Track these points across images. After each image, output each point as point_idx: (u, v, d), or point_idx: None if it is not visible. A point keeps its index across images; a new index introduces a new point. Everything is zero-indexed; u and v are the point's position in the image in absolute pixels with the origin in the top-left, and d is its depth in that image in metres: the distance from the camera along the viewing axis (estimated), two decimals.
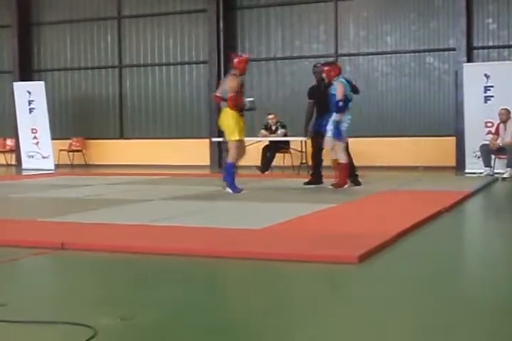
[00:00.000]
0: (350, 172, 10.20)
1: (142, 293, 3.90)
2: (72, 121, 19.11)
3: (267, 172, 13.91)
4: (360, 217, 6.97)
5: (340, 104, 9.70)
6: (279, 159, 14.78)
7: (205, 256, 4.81)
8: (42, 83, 17.48)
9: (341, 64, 16.48)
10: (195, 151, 17.23)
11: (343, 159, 9.95)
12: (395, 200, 8.58)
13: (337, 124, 9.79)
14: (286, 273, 4.45)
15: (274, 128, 14.41)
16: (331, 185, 10.01)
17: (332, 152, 10.09)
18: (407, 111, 16.21)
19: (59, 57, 19.28)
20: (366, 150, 15.98)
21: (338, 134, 9.83)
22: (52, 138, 17.26)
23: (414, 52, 16.15)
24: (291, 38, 17.00)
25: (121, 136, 18.62)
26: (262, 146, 14.37)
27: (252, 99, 9.68)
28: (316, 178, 10.53)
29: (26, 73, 19.14)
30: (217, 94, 9.54)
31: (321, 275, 4.38)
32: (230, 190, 9.34)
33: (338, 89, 9.73)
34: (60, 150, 17.96)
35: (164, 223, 6.32)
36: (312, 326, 3.18)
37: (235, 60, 9.49)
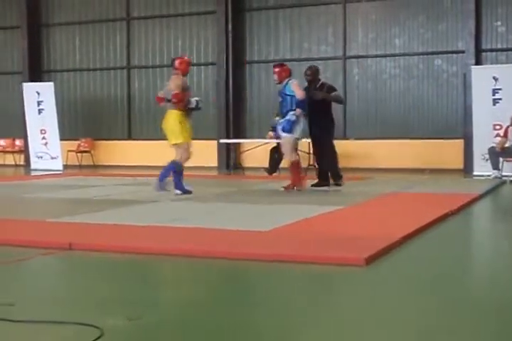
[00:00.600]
0: (334, 172, 10.47)
1: (149, 293, 3.92)
2: (80, 122, 19.16)
3: (274, 174, 13.91)
4: (367, 219, 6.97)
5: (303, 103, 9.73)
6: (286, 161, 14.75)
7: (211, 258, 4.82)
8: (51, 84, 17.55)
9: (349, 66, 16.57)
10: (203, 152, 17.22)
11: (292, 158, 9.92)
12: (402, 203, 8.57)
13: (292, 123, 9.71)
14: (292, 274, 4.46)
15: None
16: (282, 187, 9.95)
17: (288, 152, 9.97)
18: (415, 114, 16.19)
19: (68, 58, 19.35)
20: (373, 152, 16.00)
21: (289, 130, 9.75)
22: (61, 139, 17.32)
23: (422, 54, 16.14)
24: (300, 40, 17.01)
25: (130, 137, 18.67)
26: (270, 148, 14.37)
27: (198, 98, 9.44)
28: (323, 180, 10.52)
29: (36, 74, 19.21)
30: (159, 95, 9.37)
31: (328, 277, 4.38)
32: (178, 191, 9.20)
33: (295, 89, 9.72)
34: (69, 150, 18.01)
35: (171, 224, 6.34)
36: (318, 328, 3.19)
37: (177, 61, 9.38)
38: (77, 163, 18.24)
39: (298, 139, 10.03)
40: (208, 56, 17.79)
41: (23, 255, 5.07)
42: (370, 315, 3.42)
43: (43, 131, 17.35)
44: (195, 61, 17.94)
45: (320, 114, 10.20)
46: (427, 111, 16.07)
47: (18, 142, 19.34)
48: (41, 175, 14.69)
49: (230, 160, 17.06)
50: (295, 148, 10.07)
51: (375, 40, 16.47)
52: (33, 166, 17.54)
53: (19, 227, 6.29)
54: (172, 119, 9.13)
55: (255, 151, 14.72)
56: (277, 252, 4.89)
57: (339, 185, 10.44)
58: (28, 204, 8.70)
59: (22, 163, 19.05)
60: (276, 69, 10.15)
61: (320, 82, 10.56)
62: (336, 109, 16.43)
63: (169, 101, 9.10)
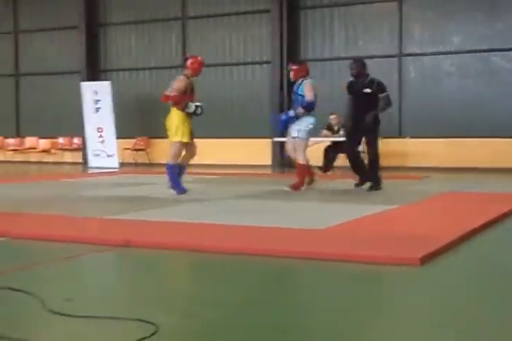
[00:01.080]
0: (373, 173, 10.10)
1: (205, 291, 3.94)
2: (136, 121, 19.38)
3: (328, 173, 13.85)
4: (422, 218, 6.89)
5: (312, 105, 9.75)
6: (341, 159, 14.69)
7: (268, 256, 4.83)
8: (108, 83, 17.81)
9: (405, 64, 16.39)
10: (258, 151, 17.28)
11: (302, 160, 9.84)
12: (459, 202, 8.44)
13: (307, 125, 9.75)
14: (347, 273, 4.44)
15: (336, 128, 14.33)
16: (288, 186, 9.84)
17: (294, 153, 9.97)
18: (472, 112, 15.93)
19: (124, 58, 19.61)
20: (430, 150, 15.80)
21: (305, 134, 9.81)
22: (117, 137, 17.57)
23: (479, 51, 15.87)
24: (355, 38, 16.90)
25: None
26: (324, 147, 14.32)
27: (199, 103, 9.30)
28: (374, 180, 10.12)
29: (93, 73, 19.52)
30: (165, 94, 9.26)
31: (382, 277, 4.35)
32: (174, 191, 9.13)
33: (306, 89, 9.72)
34: (125, 148, 18.26)
35: (226, 222, 6.37)
36: (372, 328, 3.17)
37: (189, 61, 9.32)
38: (133, 161, 18.47)
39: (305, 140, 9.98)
40: (263, 55, 17.81)
41: (80, 251, 5.16)
42: (427, 316, 3.38)
43: (100, 130, 17.62)
44: (249, 60, 18.01)
45: (363, 112, 9.78)
46: (484, 110, 15.79)
47: (76, 140, 19.68)
48: (98, 173, 14.92)
49: (284, 159, 17.05)
50: (305, 151, 9.99)
51: (431, 37, 16.26)
52: (90, 164, 17.83)
53: (76, 224, 6.40)
54: (174, 118, 9.13)
55: (309, 150, 14.64)
56: (331, 251, 4.87)
57: (378, 189, 9.89)
58: (85, 202, 8.85)
59: (80, 160, 19.38)
60: (294, 67, 10.09)
61: (369, 78, 10.00)
62: (393, 106, 16.33)
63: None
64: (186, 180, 11.97)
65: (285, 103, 17.18)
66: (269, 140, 16.87)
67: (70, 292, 3.86)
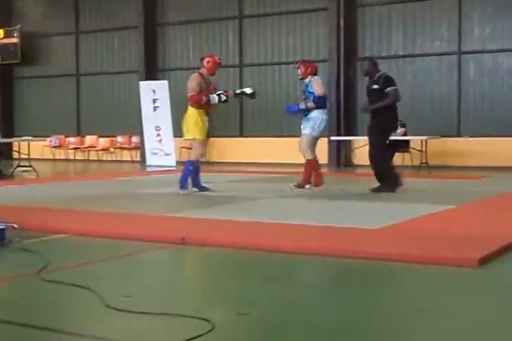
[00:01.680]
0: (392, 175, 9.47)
1: (260, 289, 3.96)
2: None
3: None
4: (480, 218, 6.78)
5: (322, 100, 9.67)
6: (398, 158, 14.55)
7: (320, 255, 4.82)
8: (166, 82, 17.99)
9: (465, 61, 16.12)
10: None
11: (310, 155, 9.74)
12: None
13: (316, 122, 9.65)
14: (401, 274, 4.40)
15: None
16: (294, 185, 9.71)
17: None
18: None
19: (182, 57, 19.77)
20: (490, 149, 15.51)
21: (311, 131, 9.70)
22: (175, 136, 17.71)
23: None
24: (413, 36, 16.69)
25: (242, 134, 18.89)
26: None
27: (220, 92, 9.60)
28: (391, 182, 9.38)
29: (151, 72, 19.74)
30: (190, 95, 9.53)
31: (439, 278, 4.30)
32: (179, 190, 9.23)
33: (315, 85, 9.68)
34: (182, 147, 18.40)
35: (280, 221, 6.38)
36: (426, 330, 3.14)
37: (205, 60, 9.56)
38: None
39: (316, 138, 9.88)
40: (320, 53, 17.74)
41: (138, 248, 5.24)
42: (480, 319, 3.33)
43: (158, 128, 17.81)
44: (306, 58, 17.94)
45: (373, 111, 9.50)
46: None
47: (134, 139, 19.94)
48: (155, 171, 15.10)
49: (341, 158, 16.97)
50: (313, 147, 9.86)
51: (491, 34, 15.95)
52: (148, 162, 18.04)
53: (134, 222, 6.50)
54: (190, 116, 9.43)
55: (366, 148, 14.54)
56: (385, 251, 4.84)
57: (392, 191, 9.21)
58: (143, 200, 8.96)
59: (138, 159, 19.63)
60: (301, 65, 10.09)
61: (378, 75, 9.53)
62: (451, 105, 16.10)
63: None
64: (242, 178, 12.03)
65: (341, 101, 17.09)
66: (326, 139, 16.79)
67: (128, 288, 3.93)
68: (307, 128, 9.72)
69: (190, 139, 9.45)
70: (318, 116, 9.67)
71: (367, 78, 9.85)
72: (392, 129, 9.84)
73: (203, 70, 9.56)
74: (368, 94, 9.69)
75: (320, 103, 9.66)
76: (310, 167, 9.78)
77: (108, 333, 3.10)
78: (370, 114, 9.56)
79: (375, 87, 9.47)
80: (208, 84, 9.54)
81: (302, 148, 9.83)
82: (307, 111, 9.70)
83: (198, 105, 9.34)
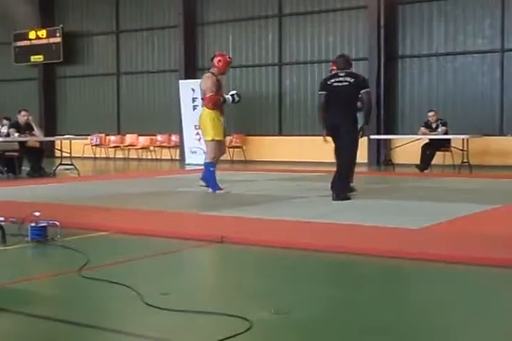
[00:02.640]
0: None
1: (299, 288, 3.94)
2: (232, 118, 19.53)
3: (426, 171, 13.60)
4: None
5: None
6: (439, 158, 14.40)
7: (362, 254, 4.78)
8: None
9: (507, 59, 15.87)
10: None
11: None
12: None
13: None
14: (444, 274, 4.34)
15: (434, 125, 14.04)
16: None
17: None
18: None
19: None
20: None
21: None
22: None
23: None
24: (455, 33, 16.47)
25: (280, 133, 18.86)
26: (422, 144, 14.06)
27: (233, 92, 9.67)
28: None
29: (191, 71, 19.82)
30: (208, 96, 9.37)
31: (482, 279, 4.23)
32: (210, 190, 9.22)
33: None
34: None
35: (319, 220, 6.35)
36: (468, 331, 3.09)
37: (216, 59, 9.42)
38: (229, 158, 18.66)
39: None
40: (360, 51, 17.62)
41: (177, 246, 5.27)
42: None
43: (197, 127, 17.83)
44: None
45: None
46: None
47: (173, 137, 20.04)
48: (195, 170, 15.15)
49: (381, 157, 16.84)
50: None
51: None
52: (187, 161, 18.13)
53: (173, 220, 6.53)
54: (204, 117, 9.31)
55: (406, 147, 14.43)
56: (430, 251, 4.78)
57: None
58: (182, 198, 9.01)
59: (177, 157, 19.73)
60: (334, 68, 9.80)
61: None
62: (493, 104, 15.86)
63: (202, 99, 9.35)
64: (281, 177, 12.03)
65: (381, 100, 16.96)
66: (365, 137, 16.67)
67: (166, 286, 3.94)
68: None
69: (209, 140, 9.30)
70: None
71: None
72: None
73: (214, 70, 9.44)
74: (337, 92, 8.51)
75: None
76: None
77: (146, 331, 3.11)
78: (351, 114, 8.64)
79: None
80: (220, 83, 9.51)
81: None
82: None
83: (214, 106, 9.26)
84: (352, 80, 8.37)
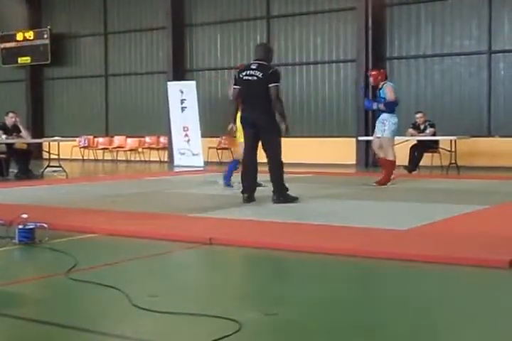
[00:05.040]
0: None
1: (287, 289, 3.95)
2: (221, 120, 19.53)
3: (414, 172, 13.64)
4: (510, 220, 6.69)
5: (392, 105, 10.46)
6: (427, 159, 14.45)
7: (349, 255, 4.79)
8: (193, 82, 18.03)
9: (495, 61, 15.95)
10: (341, 150, 17.16)
11: (391, 156, 10.45)
12: None
13: (391, 125, 10.42)
14: (432, 275, 4.36)
15: (422, 127, 14.09)
16: (375, 182, 10.36)
17: (379, 151, 10.67)
18: None
19: (209, 57, 19.81)
20: None
21: (390, 133, 10.48)
22: (202, 136, 17.76)
23: None
24: (442, 35, 16.54)
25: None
26: (410, 145, 14.11)
27: None
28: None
29: (179, 73, 19.80)
30: None
31: (469, 279, 4.25)
32: (221, 181, 10.09)
33: (388, 91, 10.43)
34: (209, 147, 18.45)
35: (308, 221, 6.35)
36: (454, 331, 3.10)
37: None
38: (218, 160, 18.65)
39: (391, 139, 10.66)
40: (348, 53, 17.66)
41: (165, 248, 5.26)
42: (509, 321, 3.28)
43: (186, 129, 17.86)
44: (334, 58, 17.89)
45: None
46: None
47: (162, 139, 20.01)
48: (183, 172, 15.14)
49: (369, 158, 16.88)
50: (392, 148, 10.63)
51: None
52: (175, 162, 18.10)
53: (162, 222, 6.51)
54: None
55: (395, 149, 14.48)
56: (416, 252, 4.80)
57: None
58: (171, 199, 8.99)
59: (166, 159, 19.71)
60: (373, 73, 10.87)
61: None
62: (480, 105, 15.93)
63: None
64: (267, 179, 12.02)
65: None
66: (354, 139, 16.73)
67: (155, 288, 3.94)
68: (385, 133, 10.43)
69: (241, 142, 9.35)
70: (391, 120, 10.45)
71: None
72: None
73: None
74: (247, 84, 8.12)
75: (391, 108, 10.48)
76: (391, 167, 10.53)
77: (134, 333, 3.10)
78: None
79: (383, 95, 10.42)
80: None
81: (384, 150, 10.55)
82: (379, 112, 10.66)
83: None
84: (260, 74, 7.95)
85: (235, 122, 8.53)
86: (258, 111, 8.07)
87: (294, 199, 8.02)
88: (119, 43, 21.31)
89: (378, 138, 10.59)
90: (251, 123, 8.13)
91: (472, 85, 16.13)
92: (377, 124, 10.67)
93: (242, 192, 8.18)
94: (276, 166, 8.21)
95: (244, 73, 8.13)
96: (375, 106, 10.65)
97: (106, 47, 21.55)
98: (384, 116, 10.50)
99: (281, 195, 8.01)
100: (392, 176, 10.63)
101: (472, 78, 16.19)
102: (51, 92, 22.75)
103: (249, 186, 8.21)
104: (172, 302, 3.60)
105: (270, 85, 7.93)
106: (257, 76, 8.00)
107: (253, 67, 8.11)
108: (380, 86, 10.63)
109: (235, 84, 8.31)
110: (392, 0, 17.09)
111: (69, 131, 20.89)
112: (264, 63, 8.13)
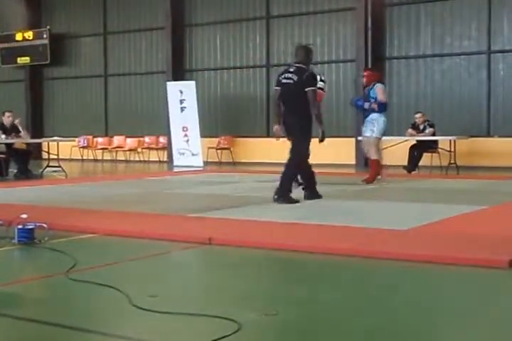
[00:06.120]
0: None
1: (287, 290, 3.94)
2: (220, 120, 19.56)
3: (413, 172, 13.64)
4: (509, 220, 6.69)
5: (383, 106, 10.67)
6: (426, 159, 14.45)
7: (349, 255, 4.79)
8: (193, 83, 18.03)
9: (494, 61, 15.94)
10: (341, 150, 17.15)
11: (374, 156, 10.69)
12: None
13: (380, 125, 10.64)
14: (431, 275, 4.36)
15: (421, 127, 14.09)
16: (362, 180, 10.63)
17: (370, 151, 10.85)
18: None
19: (209, 57, 19.80)
20: None
21: (378, 134, 10.73)
22: (202, 136, 17.76)
23: None
24: (442, 35, 16.53)
25: (268, 134, 18.85)
26: (409, 145, 14.11)
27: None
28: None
29: (179, 73, 19.80)
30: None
31: (468, 279, 4.25)
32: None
33: (379, 92, 10.63)
34: (209, 147, 18.44)
35: (309, 221, 6.35)
36: (454, 331, 3.10)
37: None
38: (217, 160, 18.65)
39: (380, 139, 10.94)
40: (347, 53, 17.66)
41: (164, 248, 5.25)
42: (509, 322, 3.28)
43: (185, 129, 17.86)
44: (334, 58, 17.90)
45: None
46: None
47: (161, 139, 20.01)
48: (183, 172, 15.14)
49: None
50: (377, 147, 10.84)
51: None
52: (175, 163, 18.10)
53: (161, 222, 6.51)
54: None
55: (394, 149, 14.47)
56: (415, 252, 4.80)
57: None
58: (170, 200, 8.99)
59: (165, 159, 19.70)
60: (367, 73, 11.09)
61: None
62: (480, 105, 15.93)
63: None
64: (269, 179, 12.05)
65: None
66: (353, 139, 16.72)
67: (154, 288, 3.93)
68: (375, 132, 10.69)
69: None
70: (379, 119, 10.66)
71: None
72: None
73: None
74: (285, 87, 8.19)
75: (381, 108, 10.68)
76: (375, 166, 10.72)
77: (134, 333, 3.10)
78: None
79: (374, 95, 10.63)
80: None
81: (369, 150, 10.83)
82: (367, 112, 10.81)
83: None
84: (296, 78, 8.00)
85: (278, 123, 8.49)
86: (293, 114, 8.19)
87: (294, 202, 7.96)
88: (118, 43, 21.30)
89: (367, 137, 10.86)
90: (286, 126, 8.36)
91: (472, 85, 16.13)
92: (367, 124, 10.85)
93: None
94: (291, 167, 8.31)
95: (283, 76, 8.27)
96: (366, 105, 10.76)
97: (105, 47, 21.54)
98: (374, 115, 10.70)
99: (283, 195, 7.99)
100: (379, 177, 10.80)
101: (472, 78, 16.19)
102: (51, 92, 22.74)
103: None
104: (172, 303, 3.60)
105: (307, 89, 7.99)
106: (293, 79, 8.09)
107: (291, 70, 8.23)
108: (371, 85, 10.80)
109: (276, 86, 8.38)
110: (392, 0, 17.09)
111: (68, 131, 20.89)
112: (302, 66, 8.22)
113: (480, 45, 16.05)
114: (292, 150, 8.31)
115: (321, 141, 8.33)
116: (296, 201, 8.00)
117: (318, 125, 8.25)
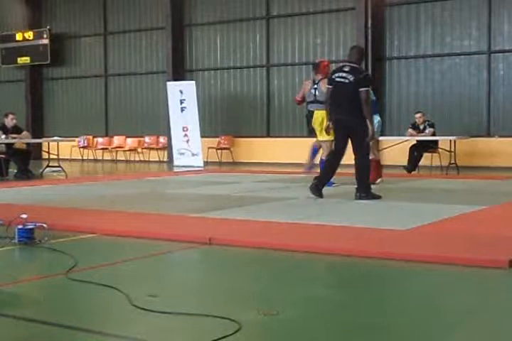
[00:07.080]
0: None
1: (287, 289, 3.94)
2: (220, 120, 19.56)
3: (414, 172, 13.64)
4: (509, 220, 6.69)
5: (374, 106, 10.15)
6: (426, 159, 14.45)
7: (349, 255, 4.79)
8: (193, 83, 18.03)
9: (494, 61, 15.94)
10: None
11: (372, 155, 10.24)
12: None
13: (376, 123, 10.34)
14: (432, 275, 4.36)
15: (421, 127, 14.09)
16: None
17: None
18: None
19: (209, 57, 19.80)
20: None
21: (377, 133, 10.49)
22: (202, 136, 17.76)
23: None
24: (442, 35, 16.53)
25: (268, 135, 18.87)
26: (410, 145, 14.11)
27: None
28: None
29: (179, 73, 19.80)
30: (298, 98, 10.67)
31: (468, 279, 4.25)
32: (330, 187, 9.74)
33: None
34: (209, 147, 18.44)
35: (309, 221, 6.35)
36: (455, 331, 3.10)
37: (322, 65, 10.54)
38: (217, 160, 18.65)
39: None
40: (347, 53, 17.62)
41: (165, 248, 5.25)
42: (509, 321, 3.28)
43: (185, 129, 17.86)
44: (334, 58, 17.89)
45: None
46: None
47: (161, 139, 20.01)
48: (183, 172, 15.14)
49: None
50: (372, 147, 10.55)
51: None
52: (175, 163, 18.10)
53: (161, 222, 6.51)
54: (321, 118, 9.63)
55: (394, 149, 14.47)
56: (416, 252, 4.80)
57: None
58: (170, 200, 8.99)
59: (165, 159, 19.71)
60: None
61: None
62: (480, 105, 15.93)
63: (320, 102, 9.66)
64: (269, 179, 12.04)
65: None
66: None
67: (154, 288, 3.93)
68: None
69: (324, 140, 9.78)
70: (374, 120, 10.26)
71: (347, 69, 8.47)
72: None
73: (323, 75, 10.12)
74: (339, 86, 8.41)
75: (374, 109, 10.26)
76: (376, 166, 10.42)
77: (134, 333, 3.10)
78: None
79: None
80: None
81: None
82: None
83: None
84: (352, 78, 8.23)
85: (331, 120, 8.65)
86: (350, 114, 8.29)
87: (377, 197, 8.30)
88: (118, 43, 21.30)
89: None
90: (345, 126, 8.37)
91: (472, 85, 16.13)
92: None
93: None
94: (363, 167, 8.56)
95: (336, 75, 8.42)
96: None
97: (106, 47, 21.54)
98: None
99: (365, 192, 8.32)
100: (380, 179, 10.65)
101: (472, 78, 16.18)
102: (51, 92, 22.75)
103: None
104: (172, 303, 3.60)
105: (361, 89, 8.15)
106: (348, 79, 8.24)
107: (346, 69, 8.37)
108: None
109: (329, 84, 8.53)
110: (392, 0, 17.09)
111: (68, 131, 20.90)
112: (357, 66, 8.42)
113: (480, 45, 16.05)
114: (360, 151, 8.51)
115: (371, 140, 8.57)
116: (379, 196, 8.30)
117: (370, 124, 8.35)
